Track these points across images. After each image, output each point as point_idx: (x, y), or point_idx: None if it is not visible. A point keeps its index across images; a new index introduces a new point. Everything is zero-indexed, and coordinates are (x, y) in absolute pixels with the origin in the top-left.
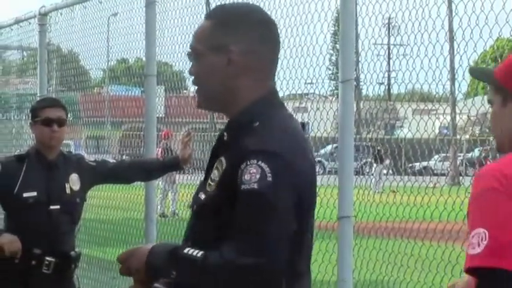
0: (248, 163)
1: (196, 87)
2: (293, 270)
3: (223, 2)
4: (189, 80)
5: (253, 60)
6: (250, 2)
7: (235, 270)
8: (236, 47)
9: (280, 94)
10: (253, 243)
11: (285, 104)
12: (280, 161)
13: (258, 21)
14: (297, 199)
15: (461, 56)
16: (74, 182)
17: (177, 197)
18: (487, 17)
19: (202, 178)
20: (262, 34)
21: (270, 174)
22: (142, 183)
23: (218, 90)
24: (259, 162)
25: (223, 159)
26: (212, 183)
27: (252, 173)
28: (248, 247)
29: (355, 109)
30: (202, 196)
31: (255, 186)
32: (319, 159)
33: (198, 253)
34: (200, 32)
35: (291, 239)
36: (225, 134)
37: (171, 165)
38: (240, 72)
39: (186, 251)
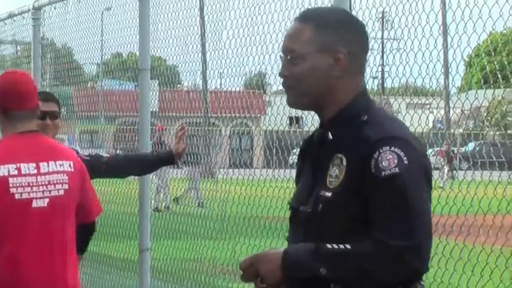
0: (381, 151)
1: (291, 88)
2: None
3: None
4: (183, 74)
5: (354, 60)
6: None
7: (391, 254)
8: (343, 48)
9: (274, 88)
10: (406, 226)
11: (282, 98)
12: (409, 145)
13: (356, 24)
14: (427, 177)
15: (454, 50)
16: None
17: (168, 191)
18: (480, 11)
19: (302, 179)
20: (360, 37)
21: (405, 158)
22: (136, 177)
23: (320, 89)
24: (392, 148)
25: (340, 155)
26: (335, 180)
27: (389, 159)
28: (401, 230)
29: None
30: (327, 194)
31: (396, 170)
32: None
33: (345, 245)
34: (300, 34)
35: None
36: (329, 134)
37: (165, 159)
38: (343, 72)
39: (330, 246)
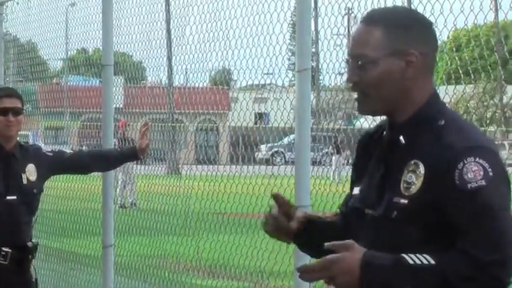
0: (465, 161)
1: (364, 95)
2: None
3: None
4: (149, 70)
5: (426, 62)
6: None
7: (479, 267)
8: (415, 50)
9: (244, 84)
10: (494, 239)
11: (247, 94)
12: (493, 155)
13: (424, 23)
14: (509, 188)
15: None
16: (30, 172)
17: (135, 187)
18: (442, 6)
19: (364, 179)
20: (429, 36)
21: (490, 169)
22: (100, 173)
23: (394, 94)
24: (477, 159)
25: (417, 161)
26: (412, 187)
27: (475, 171)
28: (489, 243)
29: (312, 99)
30: (403, 200)
31: (483, 182)
32: (280, 149)
33: (427, 259)
34: (369, 38)
35: None
36: (401, 138)
37: (129, 155)
38: (416, 75)
39: (412, 261)
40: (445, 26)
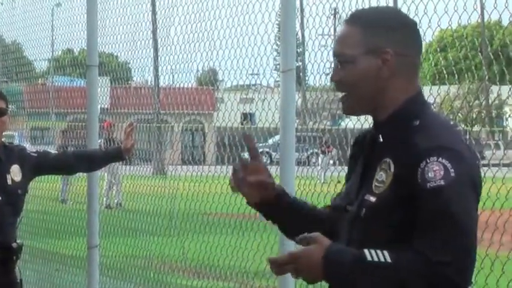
0: (428, 161)
1: (344, 93)
2: None
3: None
4: (135, 70)
5: (404, 61)
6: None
7: (432, 269)
8: (391, 49)
9: (228, 84)
10: (449, 241)
11: (232, 94)
12: (458, 156)
13: (406, 24)
14: (475, 189)
15: None
16: (15, 173)
17: (121, 188)
18: (426, 7)
19: (353, 176)
20: (411, 37)
21: (452, 170)
22: (85, 174)
23: (372, 92)
24: (440, 159)
25: (388, 160)
26: (381, 185)
27: (436, 170)
28: (444, 244)
29: (297, 99)
30: (372, 198)
31: (442, 182)
32: (266, 149)
33: (385, 256)
34: (349, 37)
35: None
36: (380, 136)
37: (114, 155)
38: (393, 73)
39: (371, 257)
40: (429, 27)
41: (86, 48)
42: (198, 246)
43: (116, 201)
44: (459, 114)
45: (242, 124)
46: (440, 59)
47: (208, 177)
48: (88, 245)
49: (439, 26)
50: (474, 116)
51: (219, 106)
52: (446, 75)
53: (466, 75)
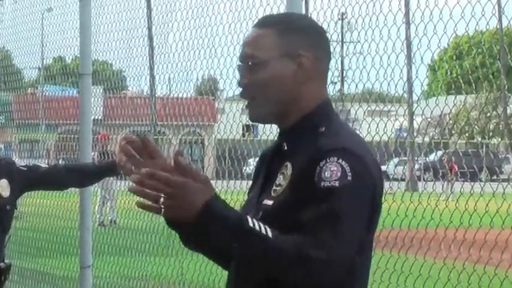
0: (328, 160)
1: (252, 99)
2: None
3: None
4: (130, 79)
5: (317, 66)
6: None
7: (306, 260)
8: (306, 53)
9: (230, 94)
10: (330, 240)
11: (234, 105)
12: (358, 160)
13: (318, 29)
14: (371, 199)
15: (414, 54)
16: (3, 188)
17: (115, 204)
18: (441, 12)
19: (255, 188)
20: (323, 42)
21: (350, 173)
22: (78, 189)
23: (285, 96)
24: (339, 160)
25: (288, 163)
26: (278, 188)
27: (333, 171)
28: (324, 242)
29: None
30: (269, 202)
31: (336, 184)
32: None
33: (267, 230)
34: (261, 40)
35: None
36: (284, 144)
37: (108, 169)
38: (307, 79)
39: (252, 224)
40: (445, 33)
41: (78, 55)
42: (197, 266)
43: (110, 218)
44: (476, 126)
45: (244, 136)
46: (456, 66)
47: None
48: (80, 265)
49: (455, 32)
50: (492, 127)
51: (220, 117)
52: (462, 84)
53: (483, 84)
